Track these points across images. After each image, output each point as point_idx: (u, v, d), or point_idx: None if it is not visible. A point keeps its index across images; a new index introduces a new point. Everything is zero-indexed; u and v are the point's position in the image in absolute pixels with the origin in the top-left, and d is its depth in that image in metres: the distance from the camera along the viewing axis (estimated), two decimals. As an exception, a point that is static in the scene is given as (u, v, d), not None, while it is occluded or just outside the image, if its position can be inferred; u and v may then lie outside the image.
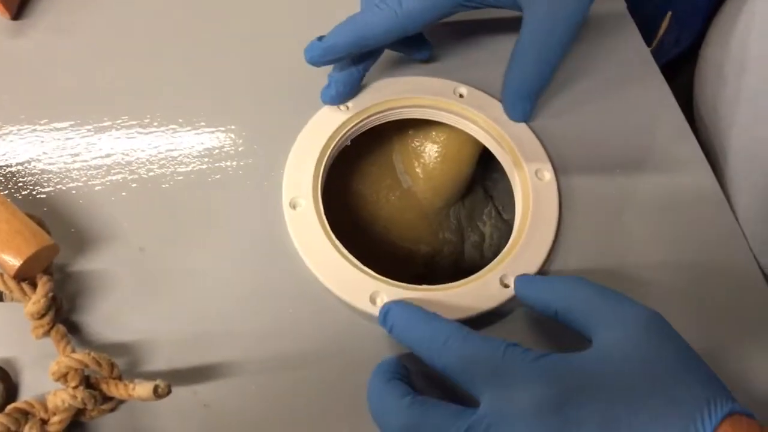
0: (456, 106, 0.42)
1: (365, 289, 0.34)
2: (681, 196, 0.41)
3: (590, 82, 0.44)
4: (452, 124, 0.43)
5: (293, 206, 0.37)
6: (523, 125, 0.41)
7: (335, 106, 0.40)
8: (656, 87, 0.45)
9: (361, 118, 0.40)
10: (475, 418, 0.27)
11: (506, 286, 0.35)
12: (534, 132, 0.41)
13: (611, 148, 0.42)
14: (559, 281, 0.33)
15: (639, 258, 0.38)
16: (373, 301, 0.34)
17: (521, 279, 0.35)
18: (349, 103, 0.41)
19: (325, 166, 0.39)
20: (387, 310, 0.33)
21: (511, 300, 0.35)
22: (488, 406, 0.27)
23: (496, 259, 0.37)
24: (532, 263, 0.36)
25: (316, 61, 0.37)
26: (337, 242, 0.36)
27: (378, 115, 0.41)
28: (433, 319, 0.31)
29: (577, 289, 0.32)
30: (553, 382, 0.27)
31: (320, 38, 0.37)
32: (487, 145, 0.42)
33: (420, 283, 0.35)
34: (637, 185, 0.41)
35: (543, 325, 0.36)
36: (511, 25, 0.41)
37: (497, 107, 0.42)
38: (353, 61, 0.39)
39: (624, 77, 0.45)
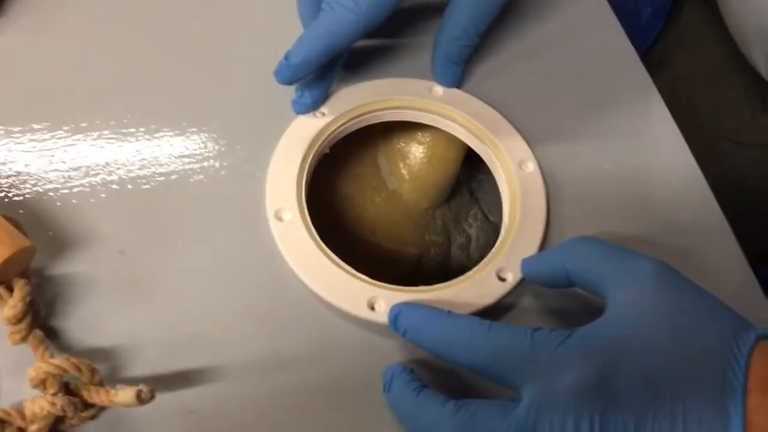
0: (433, 105, 0.41)
1: (362, 296, 0.34)
2: (657, 174, 0.41)
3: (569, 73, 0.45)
4: (431, 124, 0.42)
5: (279, 218, 0.36)
6: (501, 118, 0.41)
7: (311, 113, 0.39)
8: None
9: (338, 124, 0.40)
10: (522, 411, 0.26)
11: (503, 279, 0.35)
12: (513, 125, 0.41)
13: (589, 131, 0.42)
14: (564, 244, 0.33)
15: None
16: (371, 306, 0.33)
17: (525, 260, 0.35)
18: (324, 109, 0.40)
19: (306, 174, 0.38)
20: (397, 313, 0.32)
21: (509, 294, 0.35)
22: (531, 396, 0.27)
23: (489, 254, 0.36)
24: (526, 253, 0.36)
25: (289, 82, 0.37)
26: (327, 250, 0.35)
27: (356, 120, 0.40)
28: (450, 316, 0.30)
29: (585, 246, 0.32)
30: (587, 360, 0.26)
31: (287, 57, 0.36)
32: (467, 142, 0.42)
33: (408, 286, 0.35)
34: (617, 162, 0.41)
35: (543, 317, 0.35)
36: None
37: (475, 103, 0.42)
38: (325, 67, 0.38)
39: (608, 79, 0.45)
